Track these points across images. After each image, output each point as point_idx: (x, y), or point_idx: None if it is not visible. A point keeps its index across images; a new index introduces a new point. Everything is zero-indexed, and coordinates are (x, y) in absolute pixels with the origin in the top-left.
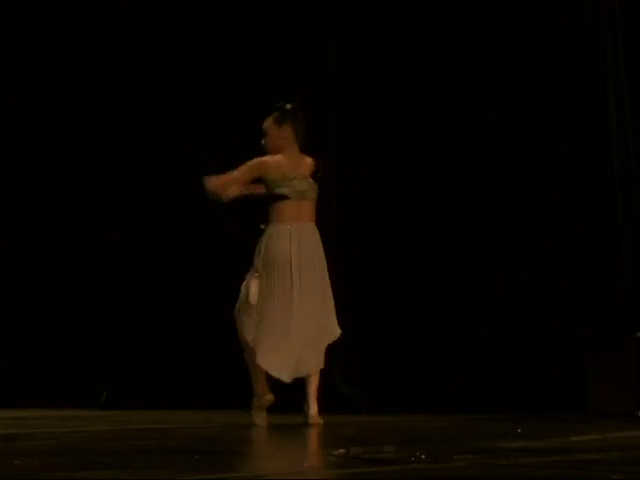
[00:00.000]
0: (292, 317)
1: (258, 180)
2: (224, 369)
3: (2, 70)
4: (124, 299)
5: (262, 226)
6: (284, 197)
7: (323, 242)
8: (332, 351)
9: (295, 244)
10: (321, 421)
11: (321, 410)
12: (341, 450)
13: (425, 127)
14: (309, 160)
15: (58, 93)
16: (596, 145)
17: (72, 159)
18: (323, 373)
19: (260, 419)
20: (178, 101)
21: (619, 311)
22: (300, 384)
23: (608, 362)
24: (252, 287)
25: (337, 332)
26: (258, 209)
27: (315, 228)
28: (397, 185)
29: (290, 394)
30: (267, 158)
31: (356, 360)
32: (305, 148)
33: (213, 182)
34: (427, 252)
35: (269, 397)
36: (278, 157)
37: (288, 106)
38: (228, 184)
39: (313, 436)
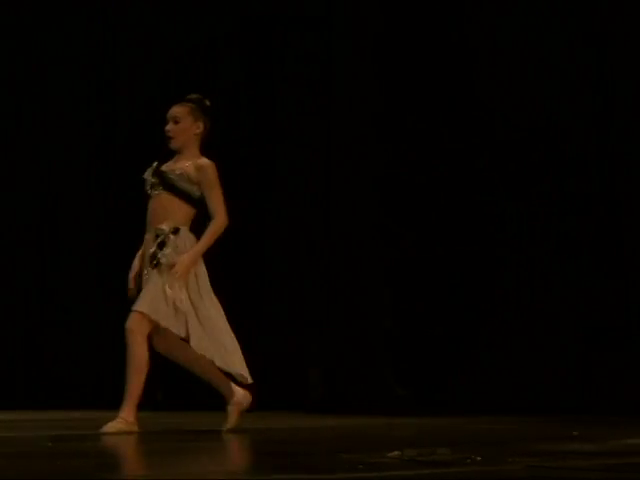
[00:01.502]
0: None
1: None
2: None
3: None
4: None
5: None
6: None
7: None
8: (387, 353)
9: None
10: None
11: (372, 412)
12: (395, 452)
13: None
14: None
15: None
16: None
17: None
18: (376, 374)
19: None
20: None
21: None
22: None
23: None
24: None
25: None
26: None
27: None
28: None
29: None
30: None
31: (410, 362)
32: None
33: None
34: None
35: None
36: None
37: (207, 102)
38: None
39: (366, 438)
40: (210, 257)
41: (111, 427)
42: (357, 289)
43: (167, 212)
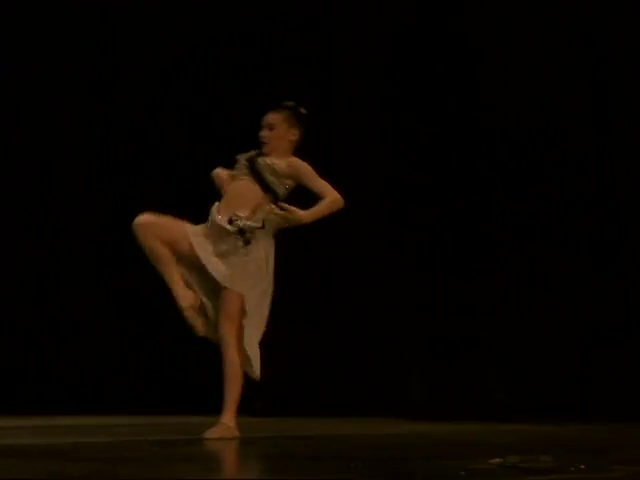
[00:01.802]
0: None
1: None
2: (374, 376)
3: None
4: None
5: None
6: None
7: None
8: (486, 359)
9: None
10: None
11: (472, 418)
12: (497, 459)
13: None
14: None
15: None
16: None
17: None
18: (477, 381)
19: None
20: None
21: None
22: None
23: None
24: None
25: None
26: None
27: None
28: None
29: None
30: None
31: (512, 367)
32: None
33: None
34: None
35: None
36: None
37: (303, 110)
38: None
39: (466, 444)
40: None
41: (213, 432)
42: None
43: (247, 199)
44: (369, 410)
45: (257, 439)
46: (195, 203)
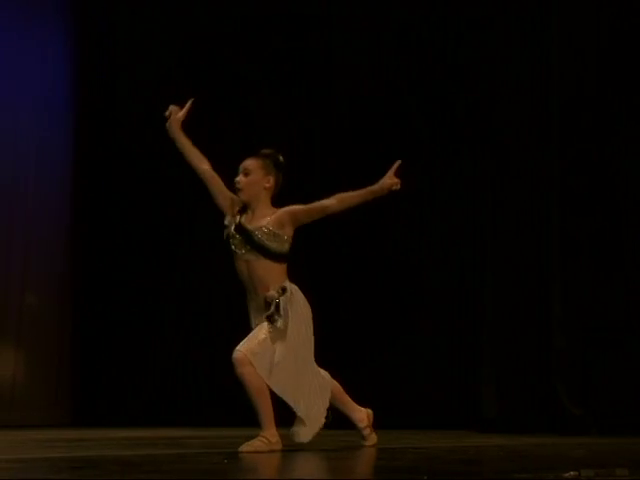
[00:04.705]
0: None
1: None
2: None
3: None
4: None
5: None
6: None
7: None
8: (559, 372)
9: None
10: None
11: (546, 431)
12: (572, 472)
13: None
14: None
15: None
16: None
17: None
18: (550, 394)
19: None
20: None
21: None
22: None
23: None
24: None
25: None
26: None
27: None
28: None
29: None
30: None
31: (584, 381)
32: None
33: None
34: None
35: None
36: None
37: (281, 158)
38: None
39: (540, 457)
40: None
41: (249, 446)
42: (529, 305)
43: (268, 277)
44: (443, 422)
45: (329, 451)
46: None
